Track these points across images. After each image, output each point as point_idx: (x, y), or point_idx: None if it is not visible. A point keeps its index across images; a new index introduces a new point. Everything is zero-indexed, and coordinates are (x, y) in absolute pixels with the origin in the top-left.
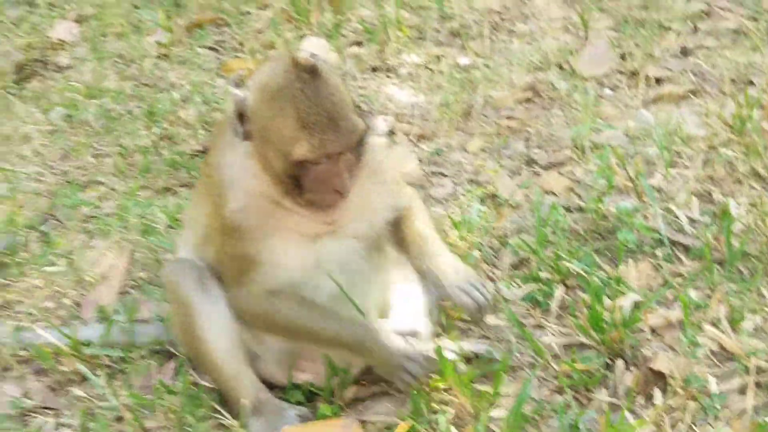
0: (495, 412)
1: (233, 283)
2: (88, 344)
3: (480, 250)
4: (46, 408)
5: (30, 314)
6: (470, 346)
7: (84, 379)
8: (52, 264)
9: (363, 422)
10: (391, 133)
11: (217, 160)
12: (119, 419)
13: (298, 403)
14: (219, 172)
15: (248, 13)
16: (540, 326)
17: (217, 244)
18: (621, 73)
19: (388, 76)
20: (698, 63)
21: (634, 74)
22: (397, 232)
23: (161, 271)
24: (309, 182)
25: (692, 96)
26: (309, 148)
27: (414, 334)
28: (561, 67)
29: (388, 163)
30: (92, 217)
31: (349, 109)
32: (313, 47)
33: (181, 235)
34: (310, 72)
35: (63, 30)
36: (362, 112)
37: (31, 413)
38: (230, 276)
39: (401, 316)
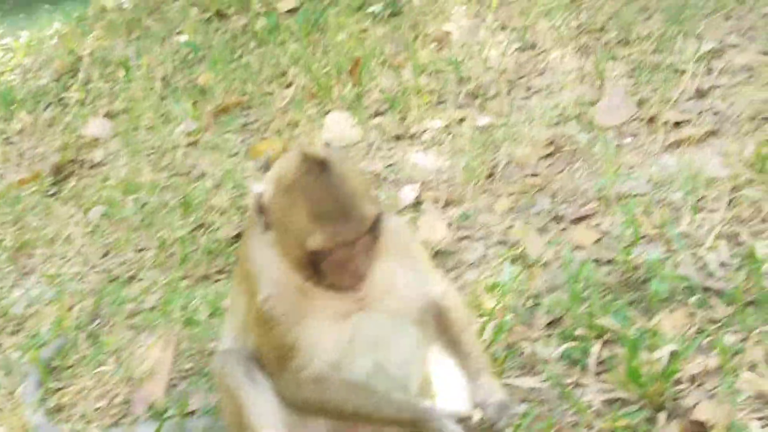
0: None
1: (276, 371)
2: None
3: (514, 312)
4: None
5: (83, 416)
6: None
7: None
8: (102, 363)
9: None
10: (418, 201)
11: (247, 251)
12: None
13: None
14: (249, 262)
15: (270, 93)
16: (579, 384)
17: (255, 334)
18: (639, 120)
19: (411, 144)
20: (715, 103)
21: (652, 120)
22: (438, 326)
23: (210, 362)
24: (327, 268)
25: (712, 137)
26: (322, 239)
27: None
28: (579, 119)
29: (410, 238)
30: (137, 312)
31: (361, 197)
32: (336, 122)
33: (225, 322)
34: (319, 165)
35: (95, 127)
36: (375, 197)
37: None
38: (272, 364)
39: (441, 392)
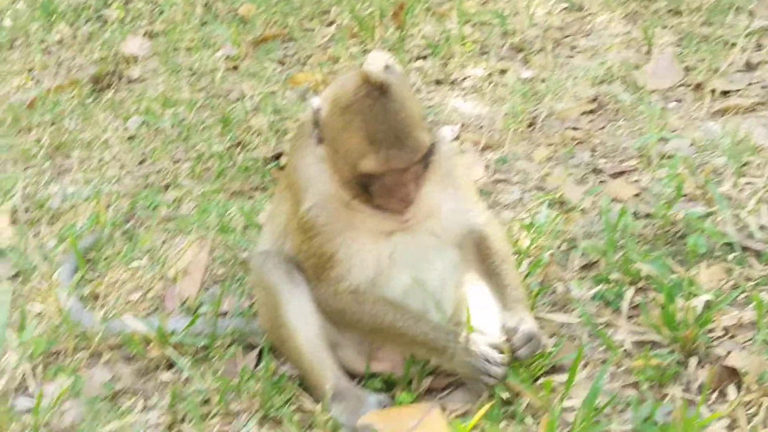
0: (568, 403)
1: (314, 279)
2: (173, 333)
3: (549, 252)
4: (135, 391)
5: (116, 306)
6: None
7: (170, 366)
8: (136, 260)
9: (441, 409)
10: (458, 141)
11: (294, 162)
12: (206, 402)
13: (377, 391)
14: (296, 172)
15: (312, 29)
16: (610, 324)
17: (296, 242)
18: (686, 86)
19: (451, 89)
20: (764, 76)
21: (699, 87)
22: (478, 254)
23: (243, 269)
24: (376, 191)
25: (760, 107)
26: (375, 163)
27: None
28: (625, 81)
29: (459, 167)
30: (171, 218)
31: (416, 125)
32: (378, 61)
33: (263, 229)
34: (379, 88)
35: (134, 45)
36: (430, 125)
37: (121, 396)
38: (310, 273)
39: (473, 313)
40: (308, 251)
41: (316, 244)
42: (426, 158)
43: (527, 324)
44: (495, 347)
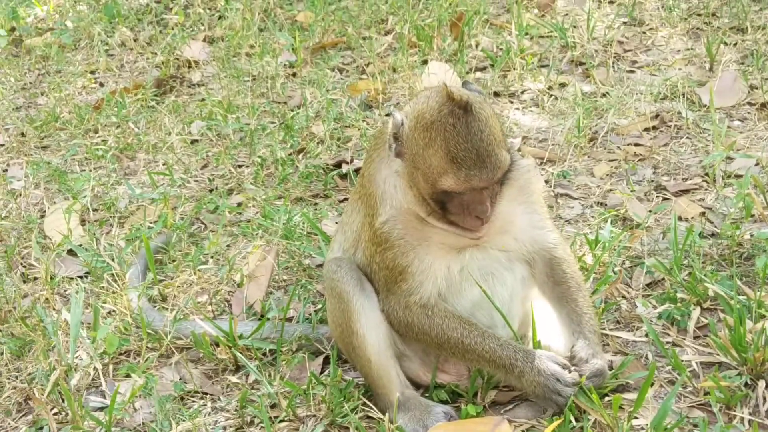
0: (635, 422)
1: (383, 290)
2: (240, 336)
3: (613, 269)
4: (203, 393)
5: (186, 307)
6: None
7: (238, 368)
8: (203, 263)
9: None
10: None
11: (371, 173)
12: (273, 406)
13: (442, 402)
14: (372, 184)
15: (370, 38)
16: (677, 344)
17: (368, 253)
18: (750, 104)
19: (510, 101)
20: None
21: (764, 106)
22: (550, 277)
23: (308, 275)
24: (452, 207)
25: None
26: (455, 181)
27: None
28: (687, 98)
29: (533, 183)
30: (236, 223)
31: (497, 144)
32: (437, 71)
33: (334, 237)
34: (463, 108)
35: (194, 50)
36: (508, 144)
37: (190, 397)
38: (380, 283)
39: (540, 329)
40: (381, 263)
41: (389, 256)
42: (504, 176)
43: (599, 360)
44: (565, 366)
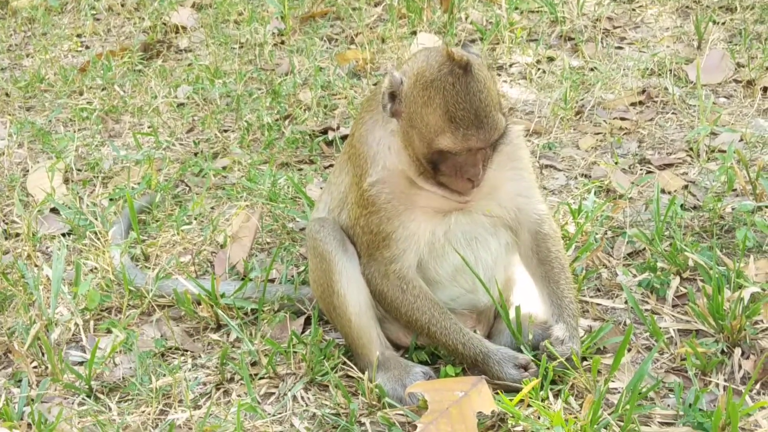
0: (612, 385)
1: (365, 254)
2: (222, 295)
3: (595, 238)
4: (184, 350)
5: (168, 266)
6: (586, 323)
7: (219, 327)
8: (187, 224)
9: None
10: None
11: (363, 134)
12: (254, 364)
13: (422, 363)
14: (362, 145)
15: (359, 8)
16: (655, 312)
17: (353, 215)
18: (737, 82)
19: (499, 74)
20: None
21: (750, 84)
22: (535, 254)
23: (306, 227)
24: (445, 168)
25: None
26: (452, 141)
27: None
28: (675, 74)
29: (522, 150)
30: (220, 186)
31: (494, 107)
32: (426, 42)
33: (320, 197)
34: (463, 68)
35: (182, 16)
36: (504, 109)
37: (171, 354)
38: (362, 246)
39: (521, 296)
40: (365, 227)
41: (374, 221)
42: (499, 140)
43: (574, 344)
44: (523, 367)
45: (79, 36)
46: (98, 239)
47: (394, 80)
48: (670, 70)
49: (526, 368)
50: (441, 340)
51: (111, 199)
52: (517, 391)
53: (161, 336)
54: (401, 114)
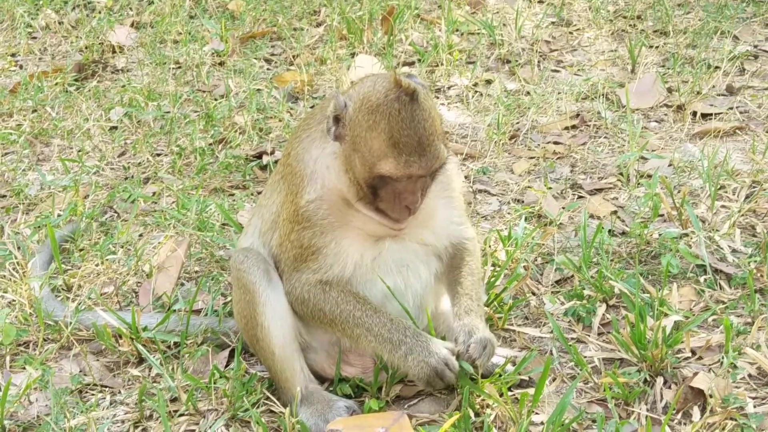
0: (536, 418)
1: (289, 268)
2: (145, 329)
3: (525, 265)
4: (103, 386)
5: (90, 298)
6: (512, 352)
7: (140, 361)
8: (112, 252)
9: (409, 417)
10: None
11: (299, 152)
12: (174, 400)
13: (345, 397)
14: (300, 163)
15: (301, 29)
16: (581, 341)
17: (284, 231)
18: (667, 107)
19: (437, 97)
20: (744, 102)
21: (680, 108)
22: (450, 265)
23: (219, 266)
24: (384, 194)
25: (738, 133)
26: (394, 166)
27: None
28: (608, 98)
29: (455, 180)
30: (149, 212)
31: (437, 136)
32: (365, 64)
33: (248, 222)
34: (410, 95)
35: (121, 35)
36: (447, 138)
37: (89, 390)
38: (287, 261)
39: (447, 320)
40: (295, 241)
41: (306, 235)
42: (439, 169)
43: (480, 332)
44: (453, 353)
45: (13, 55)
46: (17, 271)
47: (339, 104)
48: (603, 94)
49: (457, 357)
50: (367, 324)
51: (38, 227)
52: (434, 387)
53: (80, 371)
54: (344, 137)
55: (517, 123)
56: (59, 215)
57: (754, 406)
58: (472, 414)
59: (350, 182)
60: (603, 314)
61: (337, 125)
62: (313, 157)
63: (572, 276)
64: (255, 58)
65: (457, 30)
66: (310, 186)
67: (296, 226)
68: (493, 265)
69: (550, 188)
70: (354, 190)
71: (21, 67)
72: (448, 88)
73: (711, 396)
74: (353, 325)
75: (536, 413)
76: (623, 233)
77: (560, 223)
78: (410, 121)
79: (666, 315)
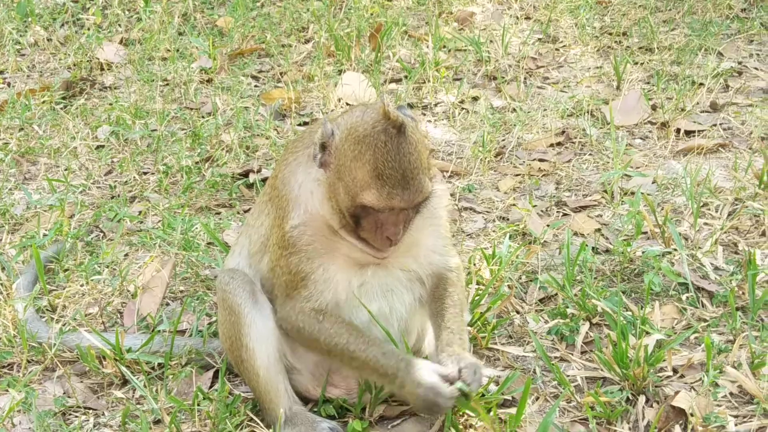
0: None
1: (282, 295)
2: (129, 350)
3: (509, 284)
4: (87, 408)
5: (74, 319)
6: (496, 372)
7: (124, 382)
8: (97, 273)
9: None
10: None
11: (286, 176)
12: (157, 422)
13: (329, 418)
14: (286, 186)
15: (289, 45)
16: (564, 359)
17: (273, 256)
18: (652, 123)
19: (423, 114)
20: (728, 119)
21: (664, 125)
22: (434, 294)
23: (205, 286)
24: (366, 224)
25: (721, 150)
26: (376, 198)
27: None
28: (593, 115)
29: (442, 208)
30: (135, 231)
31: (422, 170)
32: (352, 81)
33: (237, 242)
34: (397, 128)
35: (109, 52)
36: (433, 171)
37: (73, 412)
38: (280, 288)
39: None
40: (285, 267)
41: (294, 261)
42: (423, 203)
43: (466, 359)
44: (446, 379)
45: (1, 72)
46: (1, 292)
47: (326, 131)
48: (589, 111)
49: (451, 382)
50: (362, 358)
51: (24, 247)
52: (435, 414)
53: (64, 393)
54: (330, 165)
55: (503, 140)
56: (45, 235)
57: (735, 425)
58: None
59: (333, 210)
60: (586, 333)
61: (323, 152)
62: (299, 181)
63: (556, 294)
64: (243, 75)
65: (444, 47)
66: (294, 211)
67: (284, 252)
68: (478, 283)
69: (535, 206)
70: (337, 218)
71: (9, 84)
72: (435, 105)
73: (692, 415)
74: (349, 357)
75: None
76: (607, 251)
77: (544, 241)
78: (396, 153)
79: (648, 333)
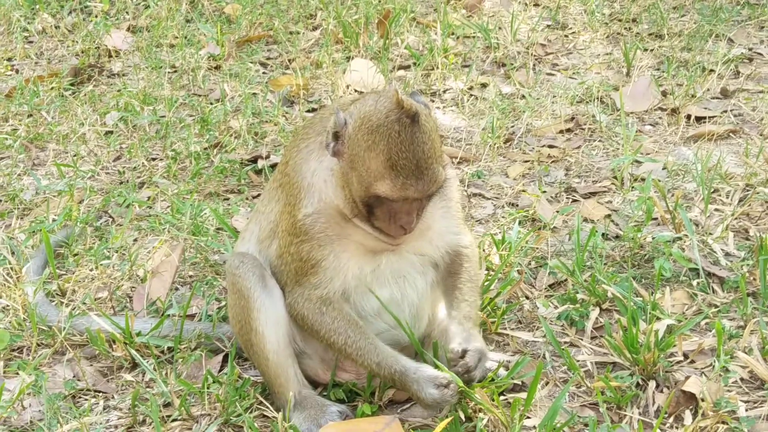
0: (528, 422)
1: (291, 281)
2: (138, 334)
3: (519, 269)
4: (96, 391)
5: (84, 303)
6: (505, 357)
7: (134, 366)
8: (106, 257)
9: (402, 422)
10: None
11: (297, 163)
12: (167, 405)
13: (339, 401)
14: (298, 174)
15: (297, 32)
16: (574, 344)
17: (283, 243)
18: (662, 110)
19: (432, 100)
20: (739, 105)
21: (674, 112)
22: (449, 270)
23: (214, 271)
24: (380, 213)
25: (732, 136)
26: (390, 188)
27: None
28: (603, 102)
29: (454, 190)
30: (144, 217)
31: (436, 159)
32: (360, 68)
33: (246, 227)
34: (411, 117)
35: (117, 39)
36: (446, 160)
37: (83, 395)
38: (289, 274)
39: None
40: (295, 254)
41: (305, 249)
42: (436, 192)
43: (476, 342)
44: (441, 385)
45: (9, 59)
46: (11, 276)
47: (339, 120)
48: (598, 98)
49: (447, 387)
50: (357, 361)
51: (33, 232)
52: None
53: (73, 376)
54: (343, 154)
55: (512, 126)
56: (54, 220)
57: (746, 410)
58: (463, 418)
59: (346, 199)
60: (596, 318)
61: (336, 142)
62: (311, 169)
63: (566, 280)
64: (251, 62)
65: (452, 33)
66: (307, 199)
67: (295, 239)
68: (487, 269)
69: (545, 192)
70: (350, 207)
71: (17, 71)
72: (444, 91)
73: (703, 400)
74: (345, 356)
75: (528, 417)
76: (617, 237)
77: (554, 227)
78: (410, 143)
79: (658, 319)
